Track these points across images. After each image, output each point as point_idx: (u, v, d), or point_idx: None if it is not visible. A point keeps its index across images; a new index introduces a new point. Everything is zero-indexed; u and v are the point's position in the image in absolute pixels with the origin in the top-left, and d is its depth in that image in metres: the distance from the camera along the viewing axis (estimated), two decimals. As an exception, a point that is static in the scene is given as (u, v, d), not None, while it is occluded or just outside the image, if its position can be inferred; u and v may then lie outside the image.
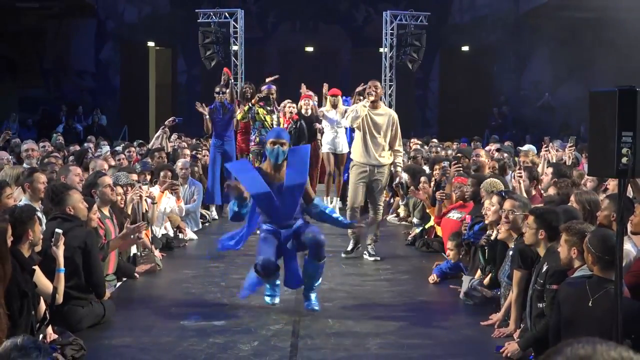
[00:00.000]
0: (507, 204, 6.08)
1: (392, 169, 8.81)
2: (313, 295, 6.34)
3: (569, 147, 9.64)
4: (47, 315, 5.11)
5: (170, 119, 12.76)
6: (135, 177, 8.60)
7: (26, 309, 4.66)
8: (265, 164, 6.40)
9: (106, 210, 7.36)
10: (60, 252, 5.32)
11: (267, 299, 6.34)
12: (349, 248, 8.84)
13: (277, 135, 6.31)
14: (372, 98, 8.57)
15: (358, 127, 8.59)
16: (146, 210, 8.13)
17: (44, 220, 6.65)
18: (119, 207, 7.75)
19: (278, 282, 6.37)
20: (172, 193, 9.25)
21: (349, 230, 8.52)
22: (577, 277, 4.80)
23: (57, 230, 5.53)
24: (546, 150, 9.40)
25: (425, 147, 15.41)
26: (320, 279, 6.39)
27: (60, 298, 5.24)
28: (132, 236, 7.26)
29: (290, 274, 6.33)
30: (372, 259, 8.67)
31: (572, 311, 4.66)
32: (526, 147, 12.34)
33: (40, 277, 5.08)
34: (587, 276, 4.70)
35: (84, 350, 5.15)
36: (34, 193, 6.90)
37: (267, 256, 6.01)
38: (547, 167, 8.40)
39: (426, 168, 11.26)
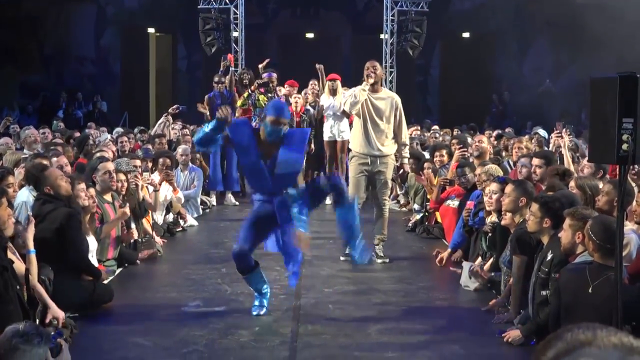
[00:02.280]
0: (509, 189, 6.08)
1: (398, 161, 8.27)
2: (360, 243, 6.00)
3: (568, 135, 9.28)
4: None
5: (174, 107, 12.73)
6: (138, 162, 8.58)
7: (10, 283, 4.70)
8: (262, 132, 5.76)
9: (108, 196, 7.40)
10: (29, 234, 5.29)
11: (253, 311, 5.90)
12: (347, 251, 7.50)
13: (279, 114, 5.70)
14: (371, 80, 7.67)
15: (357, 114, 7.75)
16: (143, 198, 8.11)
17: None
18: (123, 193, 7.80)
19: (266, 289, 5.98)
20: (168, 183, 9.23)
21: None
22: (579, 263, 4.81)
23: (29, 214, 5.66)
24: (558, 136, 8.95)
25: (427, 133, 15.37)
26: (359, 225, 6.04)
27: (34, 279, 5.22)
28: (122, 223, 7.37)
29: (285, 239, 5.77)
30: (381, 261, 7.84)
31: (572, 297, 4.67)
32: (539, 131, 12.05)
33: (12, 258, 5.09)
34: (588, 262, 4.71)
35: (76, 330, 5.20)
36: None
37: (242, 248, 5.69)
38: (535, 158, 7.61)
39: (425, 154, 11.24)
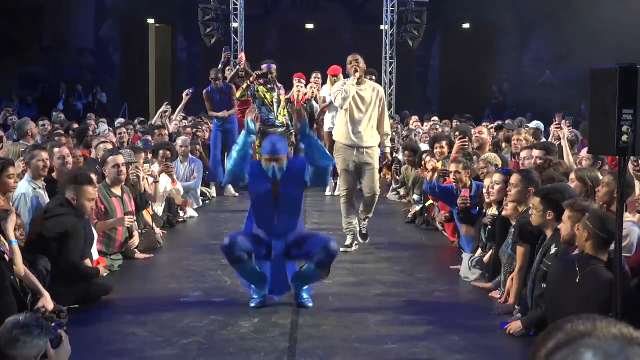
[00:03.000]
0: (515, 180, 6.07)
1: (382, 149, 8.30)
2: (305, 293, 5.98)
3: (568, 126, 9.17)
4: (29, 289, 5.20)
5: (185, 92, 12.68)
6: (142, 156, 8.59)
7: (5, 274, 4.75)
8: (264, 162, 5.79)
9: (118, 190, 7.42)
10: (9, 226, 5.30)
11: (251, 303, 5.93)
12: (347, 242, 7.96)
13: (273, 151, 5.70)
14: (358, 74, 7.69)
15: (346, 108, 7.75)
16: (144, 190, 8.11)
17: (45, 197, 6.69)
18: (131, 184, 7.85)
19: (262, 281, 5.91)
20: (167, 175, 9.21)
21: (344, 226, 8.01)
22: (573, 255, 4.82)
23: (8, 209, 5.71)
24: (557, 128, 8.84)
25: (427, 124, 15.34)
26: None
27: (19, 269, 5.23)
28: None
29: (277, 282, 5.84)
30: (362, 241, 8.12)
31: (560, 287, 4.70)
32: (534, 124, 12.01)
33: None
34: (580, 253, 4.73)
35: (64, 313, 5.23)
36: (35, 170, 6.87)
37: (235, 240, 5.65)
38: (535, 150, 7.67)
39: (423, 146, 11.23)
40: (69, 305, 5.56)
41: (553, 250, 5.18)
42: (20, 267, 5.26)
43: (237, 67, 11.90)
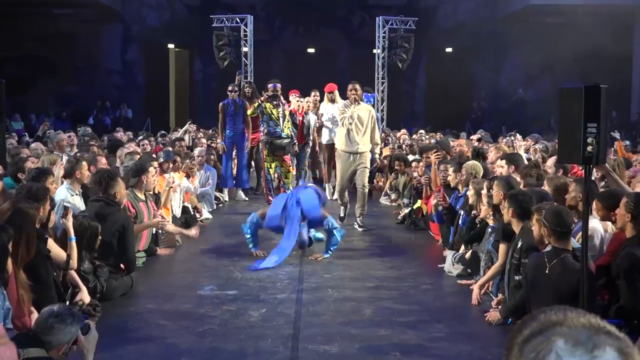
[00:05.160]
0: (494, 185, 6.02)
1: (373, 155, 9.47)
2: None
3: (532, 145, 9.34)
4: (70, 283, 5.19)
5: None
6: (155, 163, 8.50)
7: (49, 271, 4.76)
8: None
9: (142, 195, 7.30)
10: (69, 223, 5.32)
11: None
12: (341, 215, 9.34)
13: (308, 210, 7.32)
14: (357, 102, 8.95)
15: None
16: (158, 192, 8.08)
17: (81, 202, 6.67)
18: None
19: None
20: (188, 173, 9.32)
21: (339, 200, 9.37)
22: (545, 250, 4.82)
23: (65, 204, 5.74)
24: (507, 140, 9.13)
25: (415, 136, 15.35)
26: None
27: (74, 264, 5.25)
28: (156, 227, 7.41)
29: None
30: (361, 229, 9.03)
31: (533, 278, 4.71)
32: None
33: (53, 247, 5.11)
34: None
35: (99, 307, 5.24)
36: (82, 178, 6.88)
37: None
38: (502, 159, 7.78)
39: (410, 156, 11.28)
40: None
41: (519, 244, 5.18)
42: (75, 263, 5.27)
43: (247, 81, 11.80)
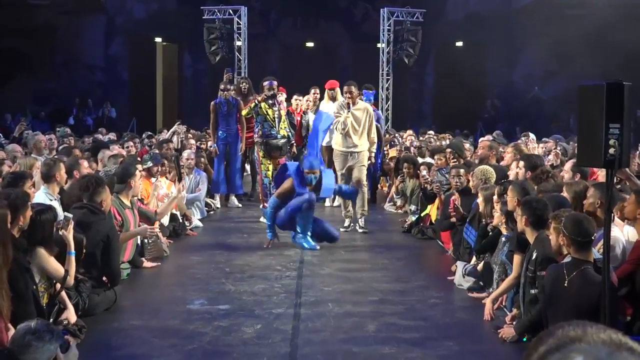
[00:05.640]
0: (509, 191, 6.03)
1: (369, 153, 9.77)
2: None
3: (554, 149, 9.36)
4: (57, 300, 5.17)
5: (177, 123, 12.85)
6: (140, 167, 8.51)
7: (31, 283, 4.73)
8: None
9: (127, 201, 7.31)
10: (70, 235, 5.32)
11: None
12: (346, 224, 9.71)
13: (311, 167, 8.43)
14: (351, 103, 9.48)
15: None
16: (142, 198, 8.08)
17: (59, 208, 6.65)
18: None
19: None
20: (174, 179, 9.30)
21: (343, 213, 9.79)
22: (564, 262, 4.82)
23: (66, 214, 5.64)
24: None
25: (422, 137, 15.35)
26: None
27: (71, 280, 5.26)
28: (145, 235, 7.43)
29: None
30: (362, 231, 9.60)
31: (551, 292, 4.70)
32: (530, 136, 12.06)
33: (50, 261, 5.09)
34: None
35: (85, 329, 5.22)
36: (61, 182, 6.92)
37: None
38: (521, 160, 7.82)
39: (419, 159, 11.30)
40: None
41: (534, 255, 5.17)
42: (72, 279, 5.27)
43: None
